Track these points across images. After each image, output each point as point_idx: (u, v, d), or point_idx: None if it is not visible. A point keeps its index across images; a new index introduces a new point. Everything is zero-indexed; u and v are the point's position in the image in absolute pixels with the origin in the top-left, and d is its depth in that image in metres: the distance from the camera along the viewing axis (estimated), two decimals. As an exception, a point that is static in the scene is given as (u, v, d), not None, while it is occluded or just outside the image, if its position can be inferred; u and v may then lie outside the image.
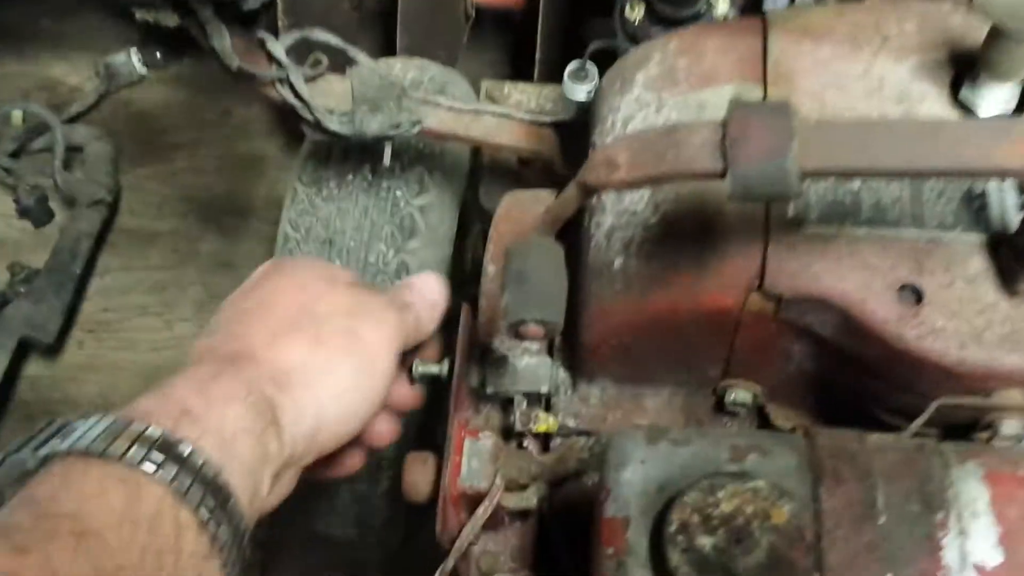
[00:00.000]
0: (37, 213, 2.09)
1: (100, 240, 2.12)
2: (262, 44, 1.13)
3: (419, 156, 1.40)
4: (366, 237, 1.37)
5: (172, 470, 0.58)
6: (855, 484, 0.67)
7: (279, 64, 1.13)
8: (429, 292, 0.85)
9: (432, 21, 1.87)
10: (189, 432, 0.61)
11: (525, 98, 1.39)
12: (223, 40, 1.07)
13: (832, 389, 0.86)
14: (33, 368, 2.06)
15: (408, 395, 0.87)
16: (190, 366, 0.69)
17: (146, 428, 0.60)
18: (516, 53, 2.16)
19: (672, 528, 0.65)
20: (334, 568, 1.62)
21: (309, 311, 0.74)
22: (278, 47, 1.13)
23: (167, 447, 0.59)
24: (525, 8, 1.92)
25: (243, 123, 2.24)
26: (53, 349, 2.04)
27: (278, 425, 0.67)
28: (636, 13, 1.01)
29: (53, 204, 2.11)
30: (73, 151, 2.12)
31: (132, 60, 2.28)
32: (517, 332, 0.73)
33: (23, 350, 1.99)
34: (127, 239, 2.16)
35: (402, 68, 1.45)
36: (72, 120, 2.20)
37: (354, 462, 0.85)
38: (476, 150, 1.49)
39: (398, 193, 1.38)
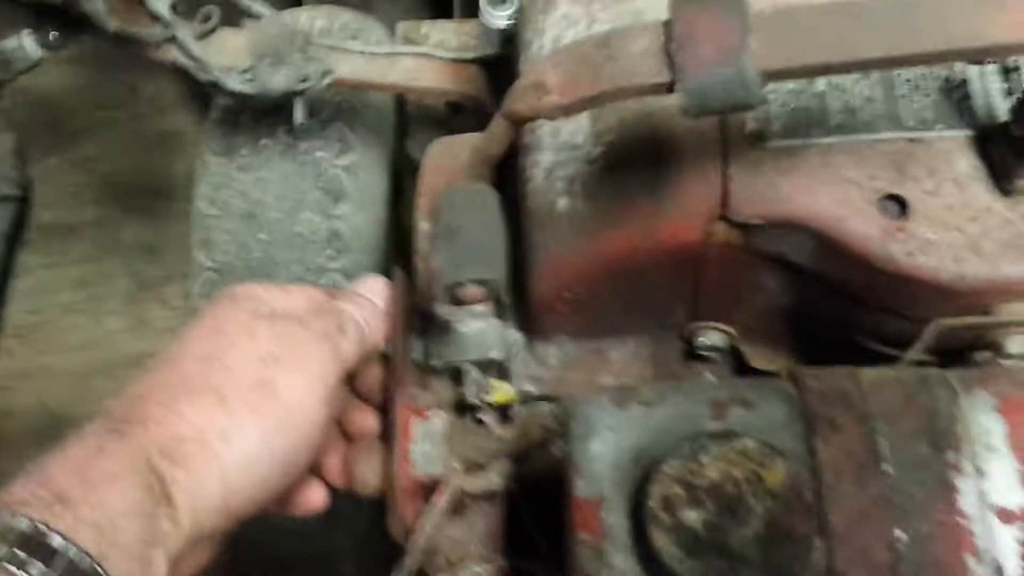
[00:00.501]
0: (-58, 217, 1.95)
1: (15, 239, 1.98)
2: (142, 1, 1.01)
3: (338, 112, 1.28)
4: (290, 206, 1.25)
5: (38, 568, 0.52)
6: (854, 430, 0.58)
7: (164, 23, 1.01)
8: (375, 297, 0.77)
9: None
10: (63, 520, 0.54)
11: (445, 37, 1.27)
12: (95, 0, 0.95)
13: (813, 323, 0.77)
14: (-39, 382, 1.93)
15: (370, 420, 0.78)
16: (79, 434, 0.62)
17: (12, 519, 0.53)
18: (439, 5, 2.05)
19: (653, 504, 0.56)
20: (305, 561, 1.53)
21: (218, 362, 0.66)
22: (160, 3, 1.01)
23: (36, 542, 0.53)
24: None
25: (152, 99, 2.10)
26: (-22, 359, 1.91)
27: (171, 503, 0.60)
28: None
29: (-41, 206, 1.97)
30: (-28, 147, 1.97)
31: (25, 43, 2.11)
32: (454, 296, 0.63)
33: (-55, 363, 1.86)
34: (45, 235, 2.03)
35: (308, 17, 1.33)
36: (-32, 115, 2.04)
37: (314, 499, 0.77)
38: (401, 100, 1.38)
39: (320, 154, 1.26)
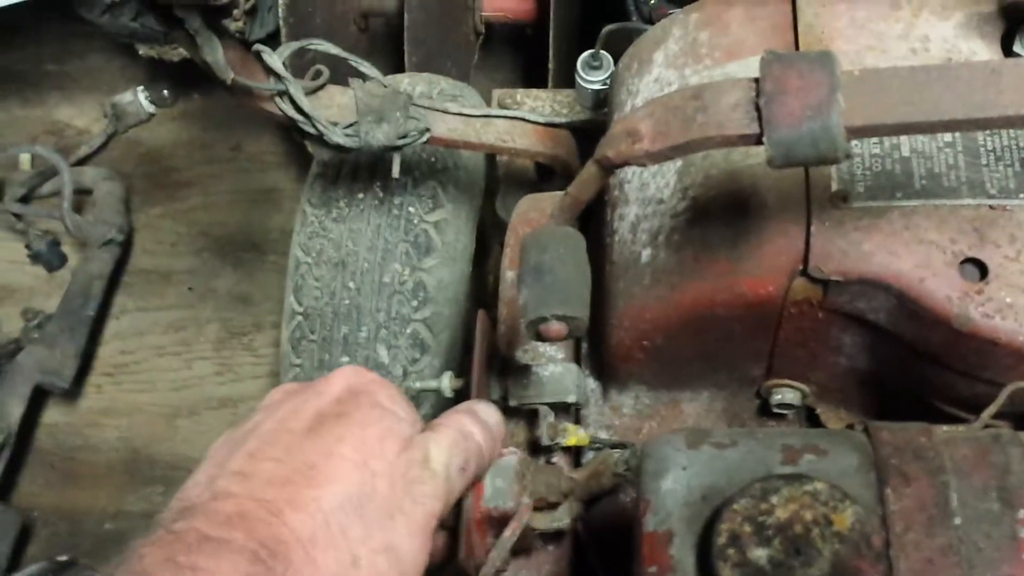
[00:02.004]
0: (49, 258, 2.05)
1: (114, 281, 2.07)
2: (258, 56, 1.07)
3: (431, 170, 1.33)
4: (380, 257, 1.30)
5: None
6: (925, 482, 0.59)
7: (277, 76, 1.07)
8: (492, 422, 0.73)
9: (441, 38, 1.82)
10: None
11: (539, 104, 1.33)
12: (215, 52, 1.01)
13: (889, 385, 0.78)
14: (51, 415, 2.00)
15: (439, 548, 0.75)
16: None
17: None
18: (529, 69, 2.11)
19: (721, 540, 0.57)
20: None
21: (357, 511, 0.62)
22: (275, 59, 1.07)
23: None
24: (536, 22, 1.87)
25: (254, 156, 2.19)
26: (70, 394, 1.98)
27: None
28: (650, -10, 0.94)
29: (65, 248, 2.07)
30: (82, 193, 2.08)
31: (139, 99, 2.23)
32: (538, 332, 0.66)
33: (40, 397, 1.93)
34: (142, 279, 2.11)
35: (410, 82, 1.39)
36: (81, 162, 2.16)
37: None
38: (492, 162, 1.43)
39: (411, 209, 1.32)
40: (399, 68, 1.71)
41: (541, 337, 0.66)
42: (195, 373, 2.02)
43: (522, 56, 2.15)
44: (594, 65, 1.02)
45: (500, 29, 2.03)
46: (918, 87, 0.57)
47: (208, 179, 2.19)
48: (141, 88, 2.24)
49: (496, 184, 1.42)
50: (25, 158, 2.09)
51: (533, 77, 1.85)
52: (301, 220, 1.35)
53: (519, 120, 1.17)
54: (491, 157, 1.42)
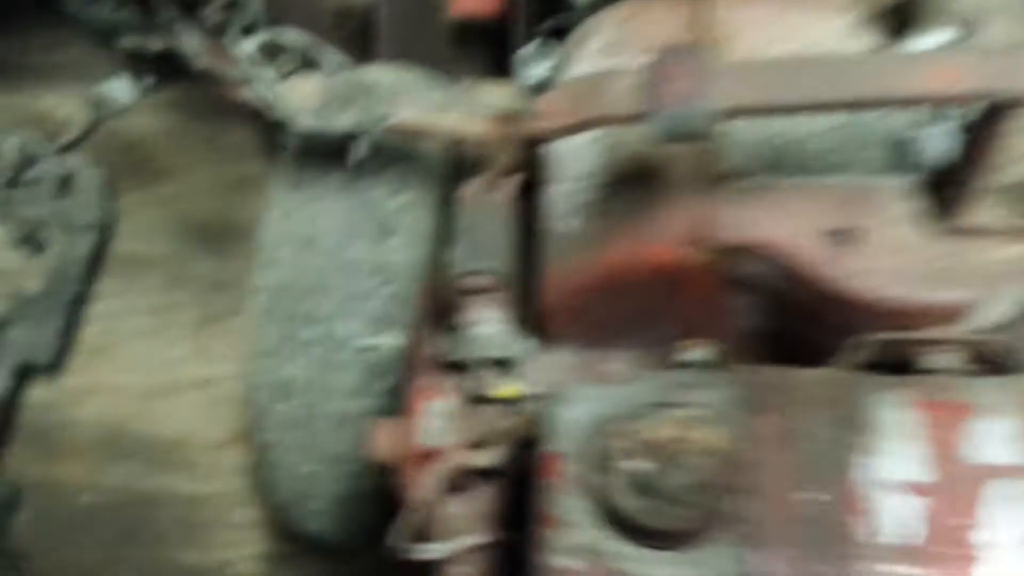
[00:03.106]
0: (32, 242, 2.13)
1: (95, 266, 2.15)
2: (230, 45, 1.17)
3: (396, 156, 1.43)
4: (344, 237, 1.40)
5: None
6: (783, 411, 0.70)
7: (247, 64, 1.17)
8: None
9: (413, 35, 1.92)
10: None
11: (496, 96, 1.43)
12: (189, 41, 1.11)
13: (784, 345, 0.88)
14: (34, 392, 2.09)
15: None
16: None
17: None
18: (503, 65, 2.21)
19: (607, 454, 0.68)
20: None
21: None
22: (245, 47, 1.17)
23: None
24: (503, 19, 1.97)
25: (233, 145, 2.28)
26: (53, 371, 2.07)
27: None
28: (587, -9, 1.05)
29: (48, 233, 2.16)
30: (65, 181, 2.17)
31: (121, 89, 2.32)
32: (467, 286, 0.76)
33: (24, 375, 2.02)
34: (123, 265, 2.19)
35: (377, 73, 1.50)
36: (64, 150, 2.24)
37: None
38: (458, 149, 1.53)
39: (375, 194, 1.41)
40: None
41: (470, 290, 0.76)
42: (173, 354, 2.11)
43: (500, 53, 2.25)
44: (536, 57, 1.12)
45: (475, 27, 2.13)
46: (787, 74, 0.68)
47: (187, 167, 2.28)
48: (123, 78, 2.33)
49: (465, 169, 1.52)
50: (11, 143, 2.18)
51: (507, 73, 1.95)
52: (272, 201, 1.45)
53: (471, 110, 1.27)
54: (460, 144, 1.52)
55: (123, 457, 2.00)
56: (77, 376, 2.10)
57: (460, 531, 0.93)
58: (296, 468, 1.48)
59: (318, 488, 1.51)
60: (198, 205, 2.24)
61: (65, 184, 2.15)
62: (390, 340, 0.99)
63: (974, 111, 0.71)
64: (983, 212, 0.75)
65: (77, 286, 2.05)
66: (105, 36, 2.18)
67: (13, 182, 2.16)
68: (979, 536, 0.67)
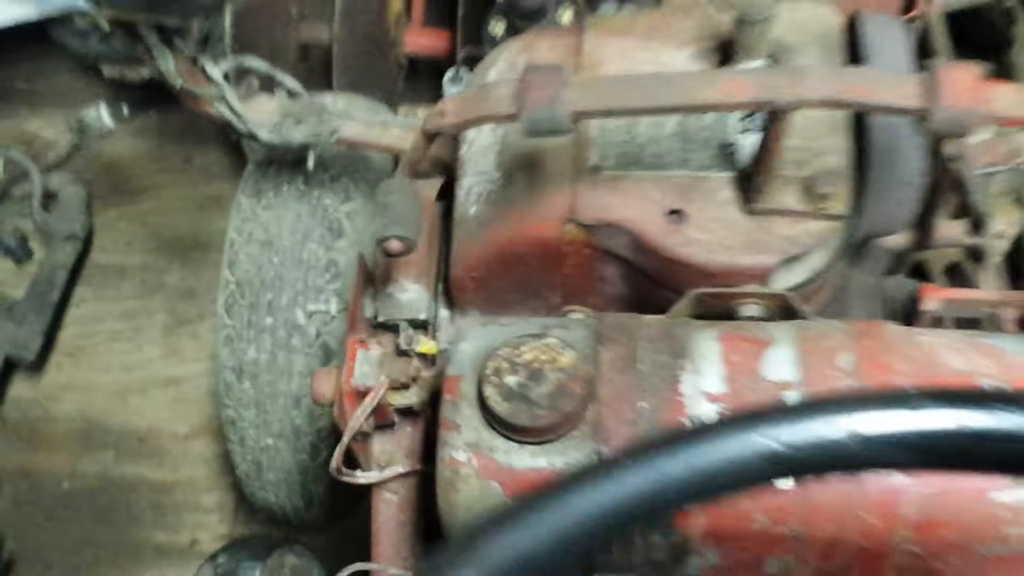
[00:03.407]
0: (18, 252, 2.34)
1: (75, 274, 2.36)
2: (203, 68, 1.39)
3: (345, 168, 1.65)
4: (300, 238, 1.62)
5: None
6: (623, 344, 0.92)
7: (217, 84, 1.39)
8: None
9: (366, 67, 2.15)
10: None
11: (431, 117, 1.66)
12: (168, 64, 1.33)
13: (640, 306, 1.11)
14: (17, 389, 2.28)
15: None
16: None
17: None
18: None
19: (488, 372, 0.90)
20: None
21: None
22: (216, 70, 1.39)
23: None
24: (449, 56, 2.21)
25: (203, 167, 2.51)
26: (34, 371, 2.26)
27: None
28: (498, 28, 1.28)
29: (32, 244, 2.36)
30: (50, 196, 2.37)
31: (102, 114, 2.55)
32: (384, 249, 0.98)
33: (9, 370, 2.21)
34: (100, 273, 2.40)
35: (332, 99, 1.72)
36: (49, 169, 2.45)
37: None
38: (396, 162, 1.75)
39: (327, 201, 1.64)
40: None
41: (387, 252, 0.97)
42: (145, 356, 2.31)
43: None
44: (455, 81, 1.35)
45: (424, 64, 2.36)
46: (620, 87, 0.91)
47: (161, 186, 2.50)
48: (104, 105, 2.55)
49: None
50: (-1, 164, 2.39)
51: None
52: (236, 208, 1.67)
53: (410, 127, 1.50)
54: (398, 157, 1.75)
55: (99, 448, 2.20)
56: (57, 374, 2.31)
57: (387, 462, 1.15)
58: (256, 442, 1.69)
59: (275, 461, 1.71)
60: (170, 220, 2.45)
61: (49, 199, 2.36)
62: (333, 307, 1.20)
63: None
64: (782, 197, 0.98)
65: (59, 291, 2.26)
66: (91, 65, 2.41)
67: (2, 197, 2.37)
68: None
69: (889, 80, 0.86)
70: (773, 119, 0.90)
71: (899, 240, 1.36)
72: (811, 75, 0.87)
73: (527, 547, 0.44)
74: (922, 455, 0.43)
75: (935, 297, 1.11)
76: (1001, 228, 1.34)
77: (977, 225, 1.18)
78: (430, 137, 0.96)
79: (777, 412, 0.45)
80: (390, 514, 1.16)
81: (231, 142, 2.31)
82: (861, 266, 1.23)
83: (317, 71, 2.35)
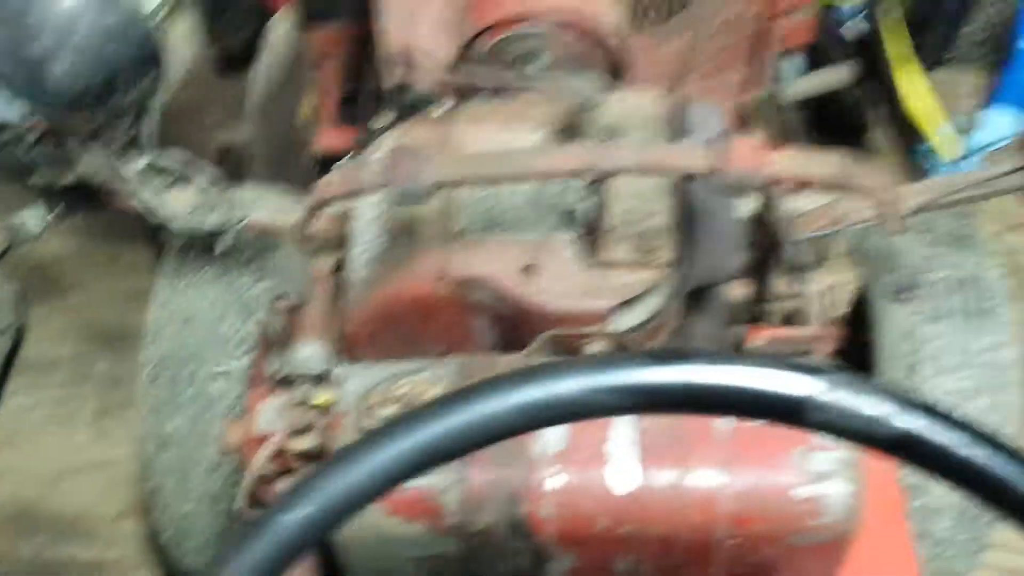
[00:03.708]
0: (-47, 346, 2.45)
1: (8, 367, 2.47)
2: (120, 166, 1.55)
3: (259, 251, 1.81)
4: (218, 315, 1.77)
5: None
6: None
7: (133, 180, 1.56)
8: None
9: (280, 165, 2.33)
10: None
11: (336, 204, 1.83)
12: (88, 161, 1.48)
13: (508, 349, 1.27)
14: (-52, 479, 2.37)
15: None
16: None
17: None
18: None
19: (367, 406, 1.05)
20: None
21: None
22: (132, 167, 1.55)
23: None
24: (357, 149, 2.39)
25: (130, 263, 2.65)
26: (-32, 455, 2.35)
27: None
28: (385, 120, 1.47)
29: (-32, 338, 2.47)
30: (-18, 294, 2.50)
31: (33, 217, 2.68)
32: (277, 307, 1.14)
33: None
34: (32, 365, 2.52)
35: (254, 193, 1.89)
36: (-19, 269, 2.58)
37: None
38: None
39: (242, 280, 1.79)
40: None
41: (282, 309, 1.14)
42: (75, 442, 2.41)
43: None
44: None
45: (337, 158, 2.54)
46: (470, 162, 1.09)
47: (90, 282, 2.64)
48: (35, 209, 2.69)
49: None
50: (-66, 264, 2.51)
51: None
52: (158, 290, 1.82)
53: (313, 211, 1.67)
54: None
55: (31, 532, 2.28)
56: (-9, 463, 2.40)
57: (291, 501, 1.28)
58: (177, 509, 1.81)
59: (196, 526, 1.83)
60: (98, 313, 2.58)
61: (-18, 298, 2.49)
62: (235, 365, 1.35)
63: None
64: (616, 251, 1.17)
65: (-8, 382, 2.37)
66: (21, 172, 2.55)
67: (-65, 296, 2.49)
68: (608, 445, 1.06)
69: (685, 150, 1.06)
70: (596, 184, 1.09)
71: (739, 293, 1.56)
72: (623, 148, 1.06)
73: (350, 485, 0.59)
74: (633, 400, 0.59)
75: (760, 336, 1.30)
76: (832, 281, 1.54)
77: (795, 278, 1.38)
78: (315, 208, 1.13)
79: (526, 374, 0.61)
80: (295, 550, 1.30)
81: (157, 239, 2.46)
82: (704, 315, 1.41)
83: (236, 172, 2.53)
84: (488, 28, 1.60)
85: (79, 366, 2.51)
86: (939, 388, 1.70)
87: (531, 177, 1.08)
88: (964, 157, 2.79)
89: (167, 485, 1.78)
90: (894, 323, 1.75)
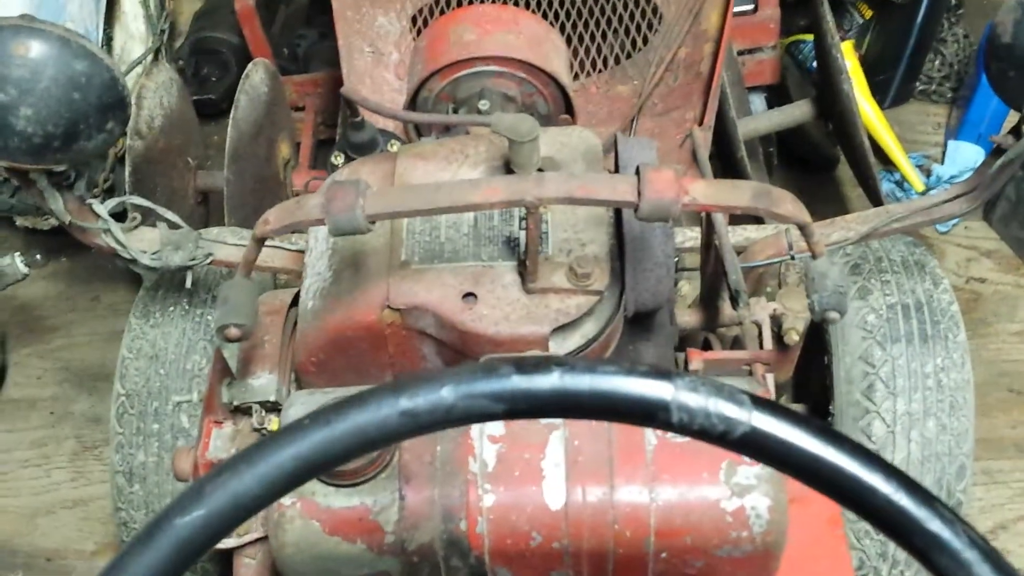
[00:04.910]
0: (-66, 389, 2.49)
1: (-12, 408, 2.52)
2: (91, 207, 1.60)
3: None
4: (184, 351, 1.81)
5: None
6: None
7: (103, 220, 1.61)
8: None
9: (256, 206, 2.38)
10: None
11: (299, 239, 1.89)
12: (57, 202, 1.54)
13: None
14: (-69, 518, 2.40)
15: None
16: None
17: None
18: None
19: (306, 427, 1.09)
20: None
21: None
22: (102, 208, 1.60)
23: None
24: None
25: (111, 305, 2.70)
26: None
27: None
28: (338, 160, 1.52)
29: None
30: (-36, 338, 2.54)
31: (16, 262, 2.74)
32: (223, 335, 1.18)
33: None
34: (12, 406, 2.56)
35: (218, 232, 1.94)
36: (-36, 313, 2.63)
37: None
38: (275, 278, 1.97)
39: (209, 317, 1.84)
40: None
41: (226, 337, 1.18)
42: (53, 480, 2.45)
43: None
44: (304, 205, 1.57)
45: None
46: (402, 195, 1.14)
47: (71, 324, 2.69)
48: (18, 253, 2.75)
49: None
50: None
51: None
52: (128, 329, 1.86)
53: (275, 247, 1.72)
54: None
55: (8, 569, 2.32)
56: (-31, 503, 2.43)
57: (245, 529, 1.32)
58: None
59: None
60: (79, 355, 2.63)
61: (-37, 341, 2.54)
62: (196, 396, 1.39)
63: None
64: (552, 278, 1.22)
65: (-29, 424, 2.41)
66: (4, 216, 2.61)
67: (-82, 339, 2.54)
68: (542, 462, 1.10)
69: (608, 181, 1.11)
70: (528, 215, 1.14)
71: (689, 320, 1.60)
72: (549, 179, 1.11)
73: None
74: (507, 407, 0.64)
75: (698, 358, 1.34)
76: (777, 307, 1.58)
77: (735, 302, 1.42)
78: (259, 241, 1.18)
79: (404, 384, 0.65)
80: (249, 576, 1.33)
81: (137, 281, 2.52)
82: (650, 340, 1.46)
83: (216, 213, 2.59)
84: (439, 71, 1.67)
85: (59, 406, 2.56)
86: (890, 410, 1.74)
87: (462, 209, 1.13)
88: (929, 189, 2.85)
89: (136, 517, 1.81)
90: (848, 347, 1.79)
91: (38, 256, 2.77)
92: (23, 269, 2.76)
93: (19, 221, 2.61)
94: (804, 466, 0.57)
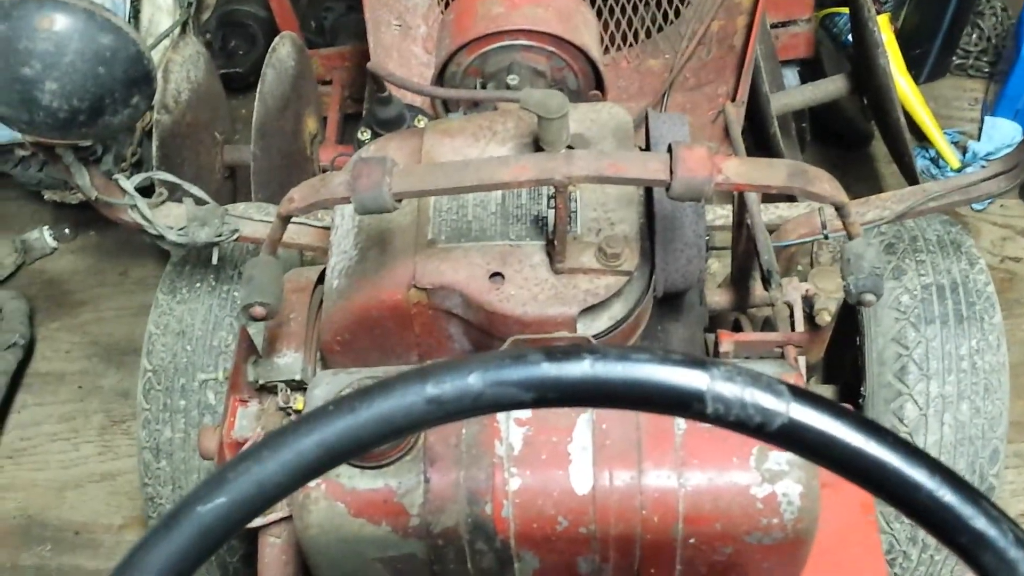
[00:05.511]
0: (-36, 361, 2.50)
1: (16, 382, 2.53)
2: (118, 182, 1.60)
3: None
4: (211, 327, 1.81)
5: None
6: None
7: (130, 196, 1.60)
8: None
9: (283, 181, 2.37)
10: None
11: (325, 215, 1.87)
12: (84, 178, 1.53)
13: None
14: (-38, 491, 2.42)
15: None
16: None
17: None
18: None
19: (332, 408, 1.08)
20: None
21: None
22: (128, 184, 1.60)
23: None
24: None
25: (139, 279, 2.71)
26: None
27: None
28: (365, 135, 1.50)
29: (-22, 353, 2.53)
30: (-6, 311, 2.56)
31: (44, 236, 2.75)
32: (248, 314, 1.17)
33: (-50, 475, 2.36)
34: (41, 380, 2.57)
35: (245, 208, 1.93)
36: (-5, 286, 2.64)
37: None
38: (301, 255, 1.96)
39: (235, 294, 1.83)
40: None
41: (251, 316, 1.17)
42: (81, 454, 2.47)
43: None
44: (331, 181, 1.56)
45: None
46: (430, 173, 1.12)
47: (99, 299, 2.69)
48: (46, 227, 2.76)
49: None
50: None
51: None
52: (155, 304, 1.86)
53: (301, 224, 1.71)
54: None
55: (37, 542, 2.33)
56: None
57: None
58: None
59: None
60: (107, 329, 2.64)
61: (-7, 315, 2.55)
62: (221, 374, 1.38)
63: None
64: (581, 258, 1.20)
65: (1, 397, 2.42)
66: (34, 191, 2.62)
67: (-52, 312, 2.55)
68: (569, 446, 1.08)
69: (639, 159, 1.08)
70: (557, 193, 1.12)
71: (719, 300, 1.58)
72: (578, 157, 1.09)
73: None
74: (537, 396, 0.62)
75: (729, 340, 1.32)
76: (811, 288, 1.55)
77: (767, 282, 1.40)
78: (284, 219, 1.16)
79: (431, 370, 0.64)
80: (274, 556, 1.33)
81: (165, 256, 2.52)
82: (680, 321, 1.44)
83: (243, 189, 2.58)
84: (467, 44, 1.64)
85: (87, 380, 2.56)
86: (923, 393, 1.71)
87: (490, 187, 1.11)
88: (965, 166, 2.80)
89: (163, 493, 1.81)
90: (881, 328, 1.76)
91: (67, 230, 2.78)
92: (51, 243, 2.78)
93: (47, 195, 2.62)
94: (845, 460, 0.55)
